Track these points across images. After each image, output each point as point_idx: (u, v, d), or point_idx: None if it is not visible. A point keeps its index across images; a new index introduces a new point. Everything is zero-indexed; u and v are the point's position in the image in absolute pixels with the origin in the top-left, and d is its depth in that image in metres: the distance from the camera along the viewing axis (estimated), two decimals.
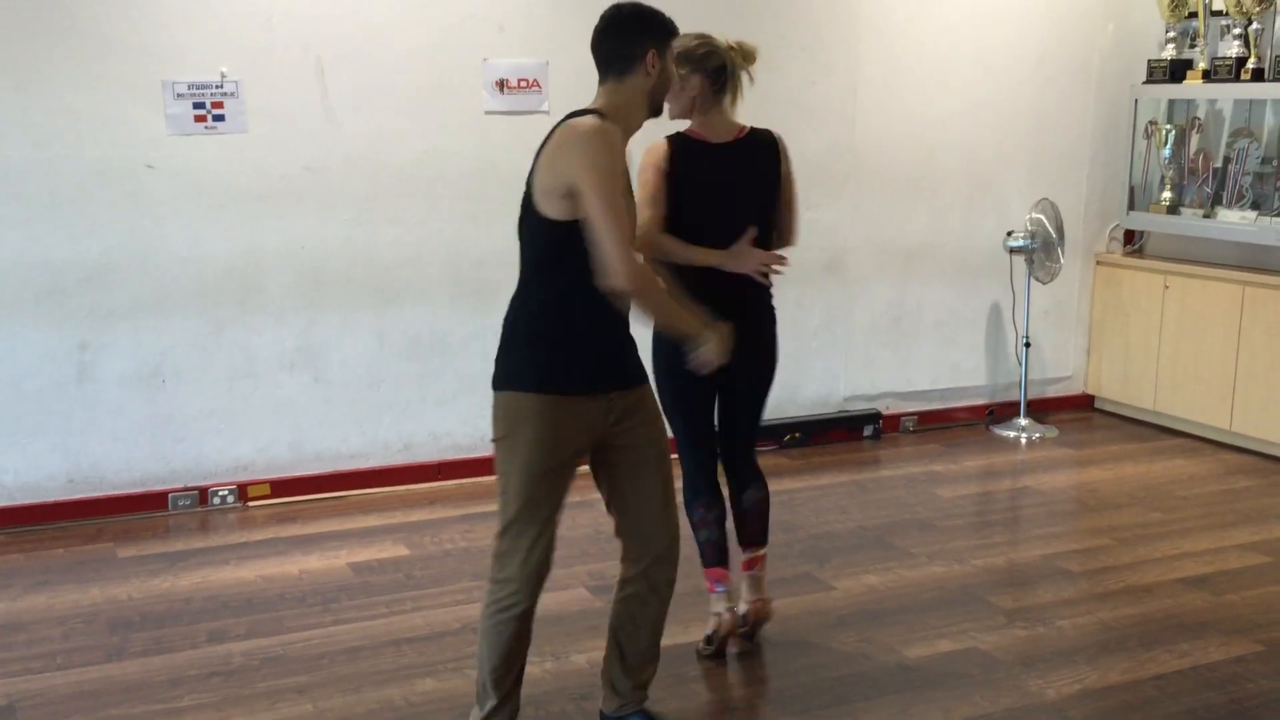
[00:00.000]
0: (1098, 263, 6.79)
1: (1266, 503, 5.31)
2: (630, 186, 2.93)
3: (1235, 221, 6.10)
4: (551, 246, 2.79)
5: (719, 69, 3.50)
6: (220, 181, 4.92)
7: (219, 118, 4.88)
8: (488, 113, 5.26)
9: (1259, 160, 6.10)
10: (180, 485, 5.06)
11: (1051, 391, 6.84)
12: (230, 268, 5.00)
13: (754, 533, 3.81)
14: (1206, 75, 6.18)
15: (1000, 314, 6.60)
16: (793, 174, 3.68)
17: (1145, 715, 3.42)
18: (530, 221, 2.82)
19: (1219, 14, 6.25)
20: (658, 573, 3.03)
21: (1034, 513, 5.27)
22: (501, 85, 5.28)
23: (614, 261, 2.69)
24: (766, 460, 4.54)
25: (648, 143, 3.47)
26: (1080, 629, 3.99)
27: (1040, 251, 6.27)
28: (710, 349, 2.96)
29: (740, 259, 3.50)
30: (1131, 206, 6.63)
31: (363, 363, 5.28)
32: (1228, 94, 6.17)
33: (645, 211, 3.37)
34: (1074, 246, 6.64)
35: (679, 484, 3.18)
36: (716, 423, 3.74)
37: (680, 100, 3.48)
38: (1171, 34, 6.41)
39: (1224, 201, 6.23)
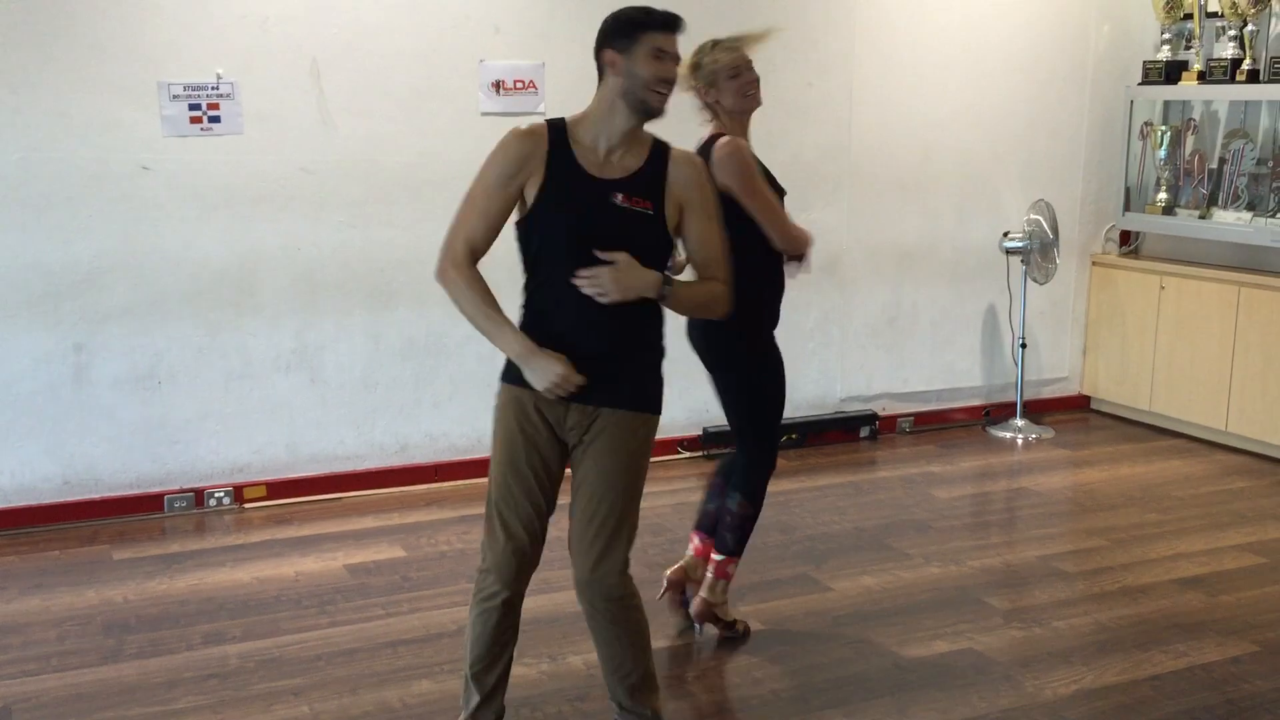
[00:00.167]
0: (1093, 263, 6.80)
1: (1262, 503, 5.32)
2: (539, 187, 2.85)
3: (1230, 222, 6.11)
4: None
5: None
6: (216, 183, 4.92)
7: (214, 119, 4.88)
8: (483, 114, 5.27)
9: (1254, 161, 6.11)
10: (176, 487, 5.05)
11: (1047, 392, 6.85)
12: (226, 269, 4.99)
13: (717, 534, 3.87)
14: (1202, 76, 6.19)
15: (996, 315, 6.60)
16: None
17: (1141, 716, 3.43)
18: None
19: (1214, 15, 6.25)
20: (587, 595, 2.96)
21: (1030, 513, 5.27)
22: (497, 86, 5.28)
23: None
24: None
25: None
26: (1076, 630, 3.99)
27: (1037, 252, 6.28)
28: (537, 378, 2.80)
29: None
30: (1127, 207, 6.64)
31: (358, 364, 5.28)
32: (1223, 95, 6.18)
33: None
34: (1070, 247, 6.65)
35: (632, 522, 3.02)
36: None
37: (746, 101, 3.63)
38: (1167, 35, 6.42)
39: (1219, 202, 6.24)
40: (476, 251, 2.85)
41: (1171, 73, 6.33)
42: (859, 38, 6.02)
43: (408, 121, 5.17)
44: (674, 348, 3.10)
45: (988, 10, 6.28)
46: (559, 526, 2.97)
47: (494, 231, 2.87)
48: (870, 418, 6.32)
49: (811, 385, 6.19)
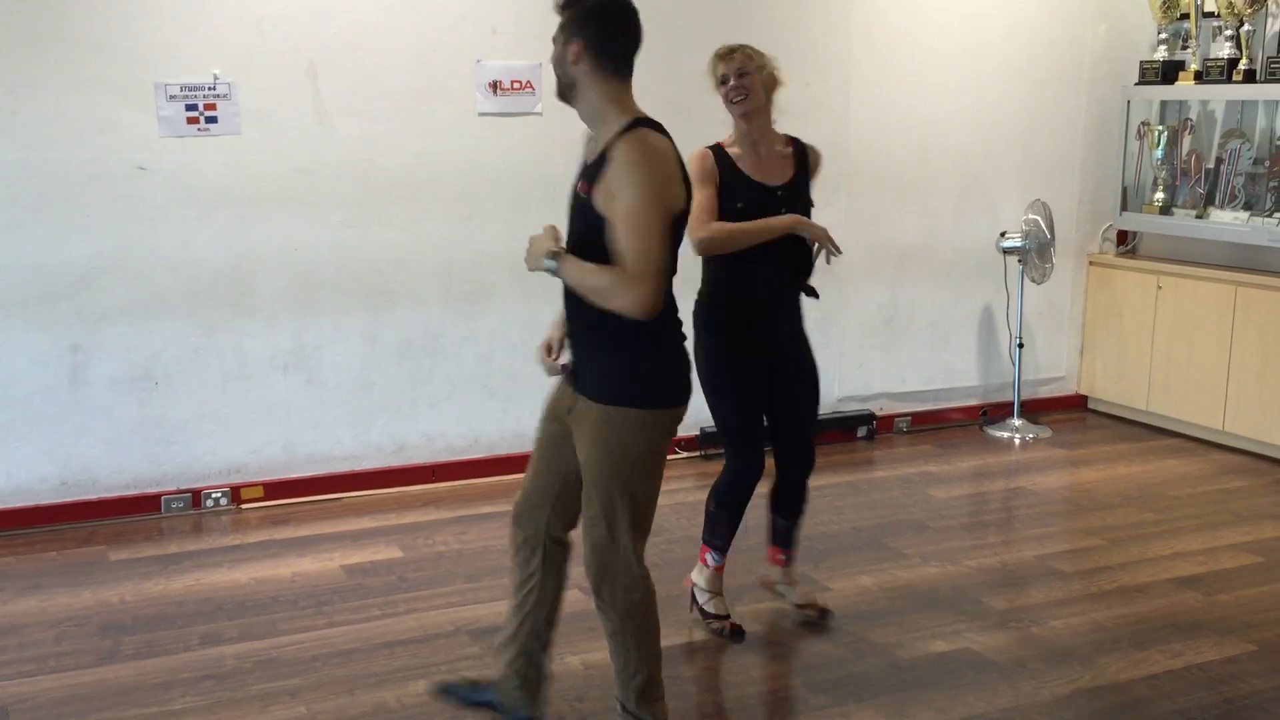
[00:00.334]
0: (1091, 263, 6.81)
1: (1259, 503, 5.33)
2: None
3: (1227, 222, 6.11)
4: None
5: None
6: (212, 184, 4.92)
7: (211, 120, 4.87)
8: (481, 114, 5.26)
9: (1251, 161, 6.11)
10: (173, 488, 5.05)
11: (1045, 392, 6.85)
12: (222, 270, 4.99)
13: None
14: (1198, 76, 6.20)
15: (993, 315, 6.61)
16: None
17: (1138, 715, 3.43)
18: None
19: (1211, 15, 6.26)
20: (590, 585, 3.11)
21: (1027, 513, 5.27)
22: (495, 87, 5.28)
23: None
24: None
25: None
26: (1073, 629, 3.99)
27: (1034, 252, 6.28)
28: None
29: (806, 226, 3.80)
30: (1124, 207, 6.65)
31: (355, 365, 5.28)
32: (1219, 95, 6.19)
33: None
34: (1067, 247, 6.65)
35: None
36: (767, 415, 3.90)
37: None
38: (1163, 35, 6.43)
39: (1216, 202, 6.24)
40: None
41: (1168, 73, 6.33)
42: (856, 38, 6.02)
43: (405, 122, 5.17)
44: None
45: (985, 11, 6.29)
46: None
47: None
48: (868, 417, 6.32)
49: None
